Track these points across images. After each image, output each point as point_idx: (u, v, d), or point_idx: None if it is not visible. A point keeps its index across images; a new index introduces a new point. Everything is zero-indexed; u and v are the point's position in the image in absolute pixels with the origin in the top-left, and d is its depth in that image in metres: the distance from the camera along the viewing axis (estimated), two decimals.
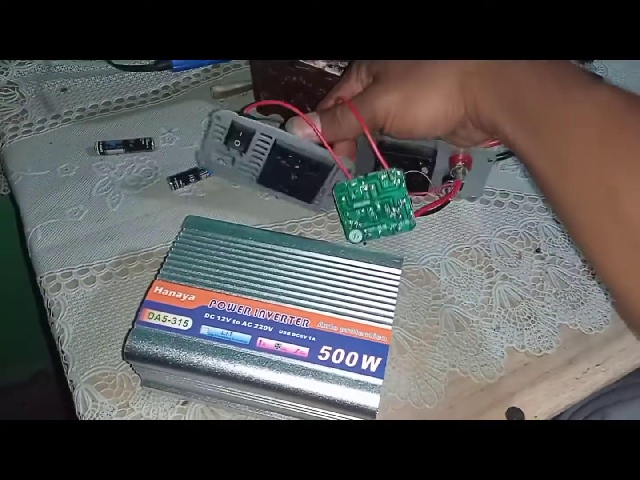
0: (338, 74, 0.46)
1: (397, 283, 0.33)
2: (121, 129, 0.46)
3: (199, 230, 0.34)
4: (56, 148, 0.45)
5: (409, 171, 0.39)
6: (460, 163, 0.39)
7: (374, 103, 0.33)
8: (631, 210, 0.25)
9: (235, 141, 0.36)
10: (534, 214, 0.42)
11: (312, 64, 0.45)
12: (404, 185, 0.34)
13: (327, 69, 0.46)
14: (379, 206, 0.35)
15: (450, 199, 0.39)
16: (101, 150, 0.44)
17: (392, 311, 0.32)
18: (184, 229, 0.35)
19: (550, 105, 0.28)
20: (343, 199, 0.35)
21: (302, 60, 0.45)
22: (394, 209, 0.35)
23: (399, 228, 0.36)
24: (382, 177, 0.34)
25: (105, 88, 0.50)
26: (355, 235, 0.37)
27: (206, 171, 0.43)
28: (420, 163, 0.39)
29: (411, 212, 0.35)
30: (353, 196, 0.35)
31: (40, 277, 0.38)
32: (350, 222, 0.37)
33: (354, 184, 0.35)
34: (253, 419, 0.32)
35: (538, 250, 0.40)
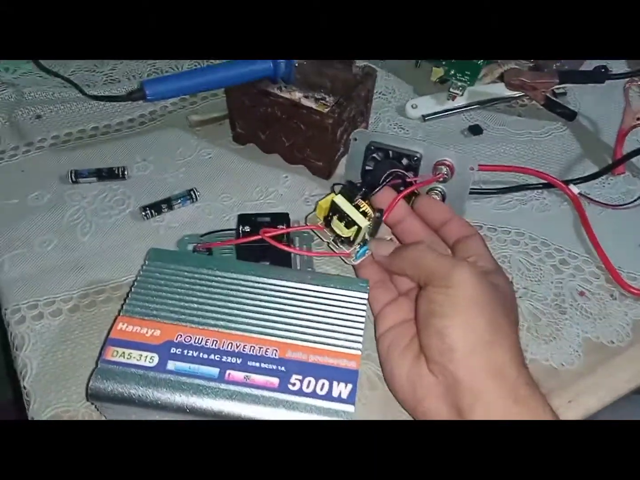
0: (314, 105, 0.46)
1: (364, 307, 0.33)
2: (96, 157, 0.46)
3: (162, 263, 0.34)
4: (28, 176, 0.45)
5: (392, 170, 0.39)
6: (442, 166, 0.39)
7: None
8: None
9: None
10: (507, 246, 0.42)
11: (287, 96, 0.45)
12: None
13: (303, 101, 0.47)
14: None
15: (419, 188, 0.39)
16: (73, 179, 0.44)
17: (361, 336, 0.31)
18: (146, 262, 0.34)
19: None
20: None
21: (278, 92, 0.46)
22: None
23: None
24: None
25: (81, 115, 0.49)
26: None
27: (179, 201, 0.43)
28: (405, 162, 0.40)
29: None
30: None
31: (5, 309, 0.37)
32: None
33: None
34: None
35: (510, 284, 0.40)
